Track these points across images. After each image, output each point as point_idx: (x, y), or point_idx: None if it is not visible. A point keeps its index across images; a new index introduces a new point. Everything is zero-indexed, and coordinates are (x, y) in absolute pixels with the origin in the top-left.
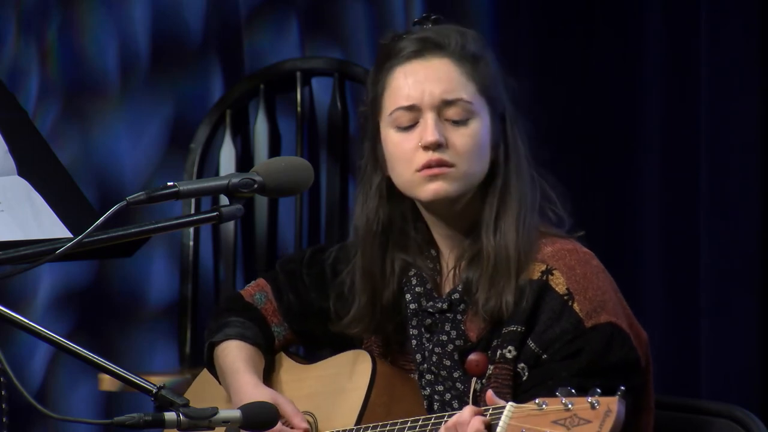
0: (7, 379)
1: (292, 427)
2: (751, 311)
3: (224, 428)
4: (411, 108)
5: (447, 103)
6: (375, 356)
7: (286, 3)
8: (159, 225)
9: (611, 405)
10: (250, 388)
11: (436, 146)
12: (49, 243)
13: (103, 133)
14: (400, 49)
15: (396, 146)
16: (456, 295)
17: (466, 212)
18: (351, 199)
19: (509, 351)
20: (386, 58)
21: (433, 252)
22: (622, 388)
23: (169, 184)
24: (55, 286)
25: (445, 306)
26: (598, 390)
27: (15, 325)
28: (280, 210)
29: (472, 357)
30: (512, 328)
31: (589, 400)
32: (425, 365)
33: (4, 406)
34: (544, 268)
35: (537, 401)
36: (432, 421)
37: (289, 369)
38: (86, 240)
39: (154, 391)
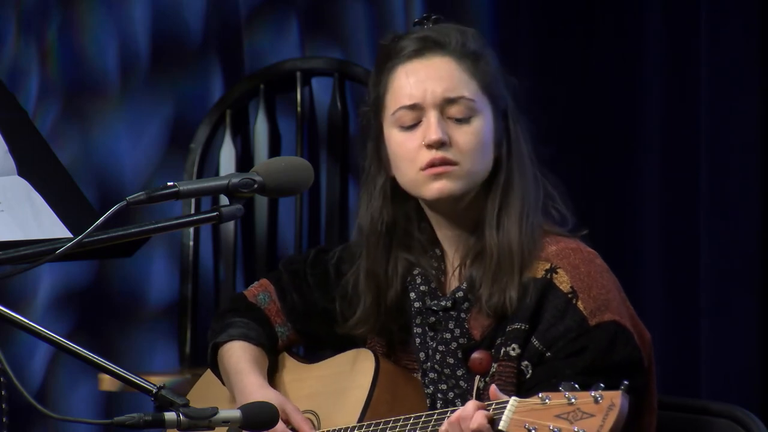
0: (7, 379)
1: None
2: (751, 311)
3: (226, 428)
4: (413, 107)
5: (449, 101)
6: (378, 355)
7: (286, 3)
8: (159, 225)
9: (614, 399)
10: (255, 389)
11: (440, 144)
12: (49, 243)
13: (103, 133)
14: (401, 49)
15: (399, 145)
16: (460, 294)
17: (469, 210)
18: (351, 199)
19: (513, 349)
20: (387, 58)
21: (437, 251)
22: (626, 382)
23: (169, 184)
24: (55, 286)
25: (449, 304)
26: (602, 384)
27: (15, 325)
28: (280, 210)
29: (476, 355)
30: (516, 326)
31: (593, 394)
32: (429, 364)
33: (4, 406)
34: (548, 266)
35: (540, 395)
36: (435, 417)
37: (291, 369)
38: (86, 240)
39: (154, 391)
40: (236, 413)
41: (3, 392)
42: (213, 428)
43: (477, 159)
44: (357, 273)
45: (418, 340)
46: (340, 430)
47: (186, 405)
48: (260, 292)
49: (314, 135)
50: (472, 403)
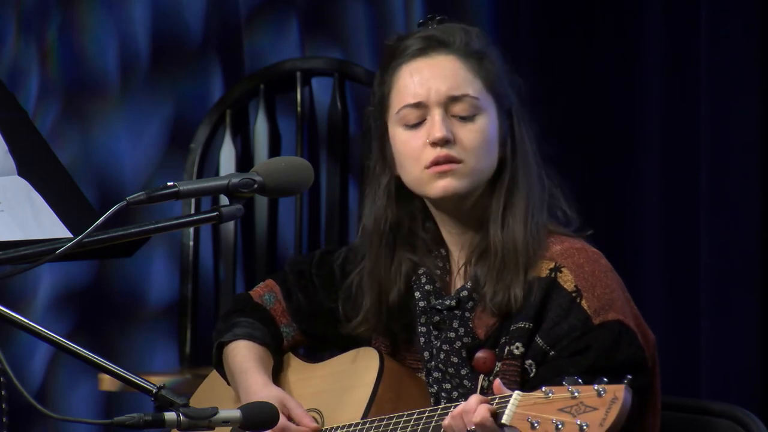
0: (7, 379)
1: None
2: (751, 311)
3: (229, 429)
4: (418, 105)
5: (453, 100)
6: (383, 353)
7: (286, 3)
8: (159, 225)
9: (618, 392)
10: (260, 388)
11: (444, 142)
12: (49, 243)
13: (103, 133)
14: (405, 48)
15: (404, 144)
16: (464, 293)
17: (474, 209)
18: (351, 199)
19: (517, 347)
20: (391, 58)
21: (442, 251)
22: (629, 376)
23: (169, 184)
24: (55, 286)
25: (453, 303)
26: (605, 379)
27: (15, 325)
28: (280, 210)
29: (480, 354)
30: (520, 324)
31: (596, 388)
32: (433, 363)
33: (4, 406)
34: (552, 265)
35: (543, 389)
36: (438, 412)
37: (296, 368)
38: (86, 240)
39: (154, 391)
40: (236, 413)
41: (3, 392)
42: (213, 428)
43: (481, 157)
44: (360, 273)
45: (422, 340)
46: (344, 426)
47: (186, 405)
48: (266, 292)
49: (314, 135)
50: (475, 397)
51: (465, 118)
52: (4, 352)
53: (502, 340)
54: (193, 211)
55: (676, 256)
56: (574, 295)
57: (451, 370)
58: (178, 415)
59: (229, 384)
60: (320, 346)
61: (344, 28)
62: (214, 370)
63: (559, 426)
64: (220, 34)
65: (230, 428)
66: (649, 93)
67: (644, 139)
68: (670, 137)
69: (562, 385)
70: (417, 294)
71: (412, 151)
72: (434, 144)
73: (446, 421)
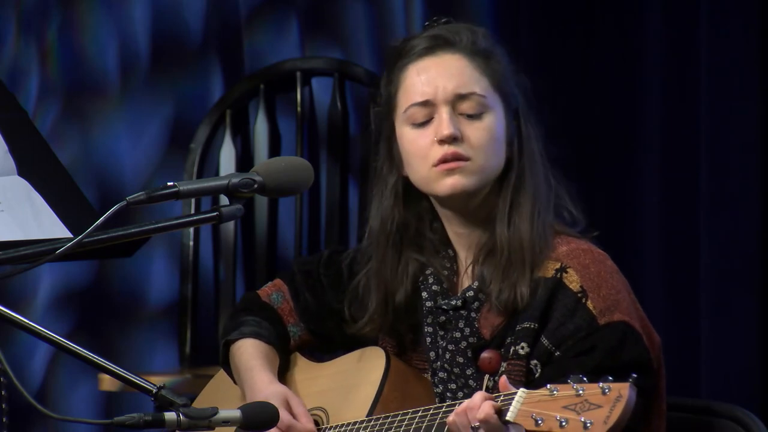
0: (7, 379)
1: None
2: (751, 311)
3: (233, 429)
4: (425, 104)
5: (461, 97)
6: (389, 353)
7: (286, 3)
8: (159, 225)
9: (622, 391)
10: (265, 385)
11: (452, 139)
12: (49, 243)
13: (103, 133)
14: (412, 47)
15: (412, 143)
16: (470, 293)
17: (481, 208)
18: (351, 199)
19: (522, 347)
20: (398, 58)
21: (449, 252)
22: (634, 375)
23: (169, 184)
24: (55, 286)
25: (459, 303)
26: (610, 377)
27: (15, 325)
28: (280, 210)
29: (485, 354)
30: (526, 325)
31: (600, 386)
32: (438, 363)
33: (4, 406)
34: (558, 266)
35: (548, 387)
36: (443, 409)
37: (303, 367)
38: (86, 240)
39: (154, 391)
40: (236, 413)
41: (3, 392)
42: (213, 428)
43: (489, 154)
44: (367, 274)
45: (428, 340)
46: (349, 424)
47: (186, 405)
48: (273, 291)
49: (314, 135)
50: (479, 394)
51: (472, 116)
52: (4, 352)
53: (508, 341)
54: (193, 211)
55: (676, 256)
56: (579, 295)
57: (456, 370)
58: (178, 415)
59: (235, 383)
60: (327, 346)
61: (344, 28)
62: (221, 370)
63: (563, 423)
64: (220, 34)
65: (234, 429)
66: (649, 93)
67: (644, 139)
68: (670, 137)
69: (566, 383)
70: (424, 294)
71: (420, 149)
72: (442, 141)
73: (450, 417)
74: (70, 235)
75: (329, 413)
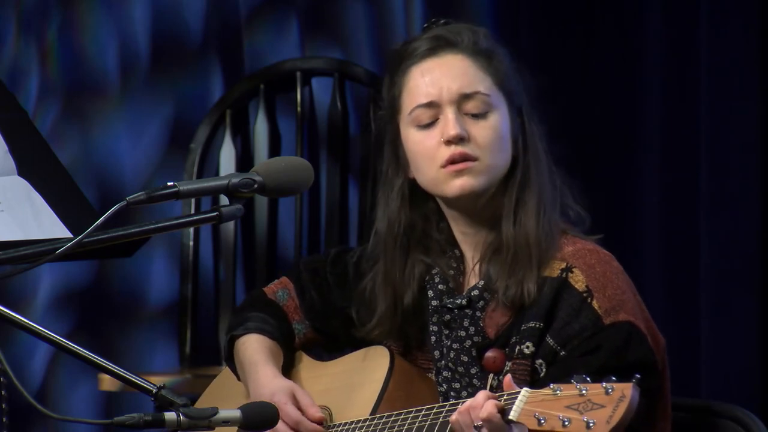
0: (7, 379)
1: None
2: (751, 311)
3: (235, 429)
4: (430, 105)
5: (465, 97)
6: (393, 352)
7: (286, 3)
8: (159, 225)
9: (625, 391)
10: (269, 380)
11: (459, 140)
12: (49, 243)
13: (103, 133)
14: (414, 49)
15: (418, 144)
16: (476, 292)
17: (487, 208)
18: (351, 199)
19: (527, 347)
20: (400, 60)
21: (456, 252)
22: (638, 375)
23: (169, 184)
24: (55, 286)
25: (464, 302)
26: (613, 377)
27: (15, 325)
28: (280, 210)
29: (490, 354)
30: (531, 324)
31: (604, 386)
32: (443, 362)
33: (4, 406)
34: (564, 265)
35: (552, 386)
36: (446, 408)
37: (307, 366)
38: (86, 240)
39: (154, 391)
40: (236, 413)
41: (3, 392)
42: (213, 428)
43: (496, 153)
44: (374, 278)
45: (433, 339)
46: (352, 422)
47: (186, 405)
48: (279, 289)
49: (314, 135)
50: (483, 393)
51: (477, 116)
52: (4, 352)
53: (513, 340)
54: (193, 211)
55: (676, 256)
56: (585, 295)
57: (460, 369)
58: (178, 415)
59: (239, 379)
60: (332, 345)
61: (344, 28)
62: (225, 368)
63: (566, 423)
64: (220, 34)
65: (237, 429)
66: (649, 93)
67: (644, 139)
68: (670, 137)
69: (570, 382)
70: (430, 293)
71: (427, 150)
72: (449, 142)
73: (454, 416)
74: (70, 235)
75: (333, 412)
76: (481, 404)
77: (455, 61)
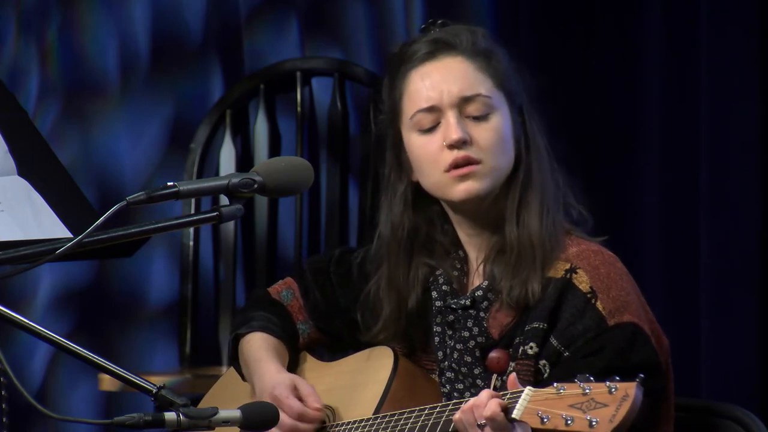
0: (7, 379)
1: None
2: (751, 311)
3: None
4: (431, 109)
5: (466, 100)
6: (397, 352)
7: (286, 3)
8: (159, 225)
9: (629, 390)
10: (272, 374)
11: (461, 144)
12: (49, 243)
13: (103, 133)
14: (413, 53)
15: (420, 149)
16: (479, 292)
17: (492, 209)
18: (351, 199)
19: (531, 347)
20: (399, 64)
21: (460, 253)
22: (641, 375)
23: (169, 184)
24: (55, 286)
25: (468, 303)
26: (617, 377)
27: (15, 325)
28: (280, 210)
29: (493, 354)
30: (535, 325)
31: (607, 385)
32: (446, 363)
33: (4, 406)
34: (568, 266)
35: (555, 385)
36: (449, 407)
37: (311, 366)
38: (86, 240)
39: (154, 391)
40: (236, 413)
41: (3, 392)
42: (213, 428)
43: (499, 155)
44: (378, 282)
45: (437, 339)
46: (355, 421)
47: (186, 405)
48: (284, 289)
49: (314, 135)
50: (486, 392)
51: (479, 118)
52: (4, 352)
53: (516, 340)
54: (193, 211)
55: (676, 256)
56: (589, 296)
57: (464, 369)
58: (178, 415)
59: (244, 379)
60: (336, 345)
61: (344, 28)
62: (230, 369)
63: (569, 422)
64: (220, 34)
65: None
66: (649, 93)
67: (644, 139)
68: (670, 137)
69: (573, 381)
70: (434, 294)
71: (430, 155)
72: (451, 146)
73: (457, 415)
74: (70, 235)
75: (336, 411)
76: (485, 403)
77: (454, 64)
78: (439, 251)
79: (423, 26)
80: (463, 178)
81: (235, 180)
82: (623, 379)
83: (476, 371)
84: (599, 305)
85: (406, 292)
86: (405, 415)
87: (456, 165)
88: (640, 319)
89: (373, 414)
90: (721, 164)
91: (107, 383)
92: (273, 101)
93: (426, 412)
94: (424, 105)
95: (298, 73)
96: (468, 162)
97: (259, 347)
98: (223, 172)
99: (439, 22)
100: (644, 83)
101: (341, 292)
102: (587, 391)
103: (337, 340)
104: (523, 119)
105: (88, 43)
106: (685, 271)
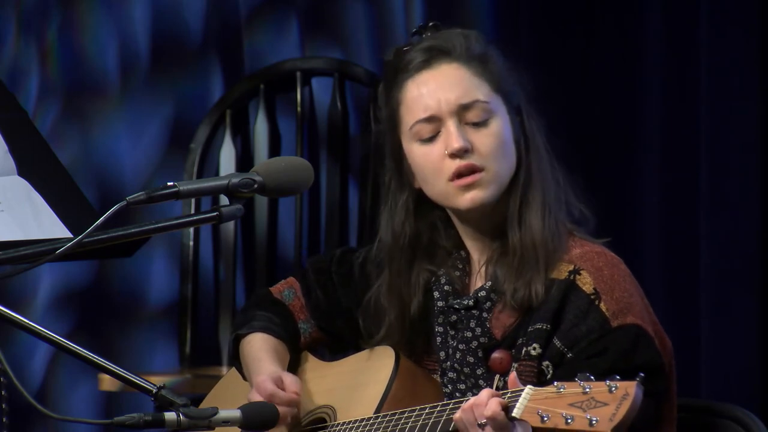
0: (7, 379)
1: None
2: (751, 311)
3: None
4: (431, 119)
5: (465, 107)
6: (399, 352)
7: (286, 3)
8: (159, 225)
9: (629, 389)
10: (268, 371)
11: (463, 152)
12: (49, 243)
13: (103, 133)
14: (408, 62)
15: (423, 159)
16: (482, 293)
17: (494, 211)
18: (351, 199)
19: (534, 348)
20: (395, 74)
21: (462, 253)
22: (642, 374)
23: (169, 184)
24: (55, 286)
25: (471, 303)
26: (617, 376)
27: (15, 325)
28: (280, 210)
29: (496, 355)
30: (538, 326)
31: (607, 384)
32: (448, 363)
33: (4, 406)
34: (571, 267)
35: (555, 384)
36: (450, 406)
37: (312, 366)
38: (86, 240)
39: (154, 391)
40: (236, 413)
41: (3, 392)
42: (213, 428)
43: (501, 160)
44: (380, 289)
45: (438, 339)
46: (356, 421)
47: (186, 405)
48: (285, 288)
49: (314, 135)
50: (486, 391)
51: (478, 124)
52: (4, 352)
53: (519, 341)
54: (193, 211)
55: (676, 256)
56: (592, 297)
57: (466, 370)
58: (178, 415)
59: (245, 379)
60: (337, 344)
61: (344, 28)
62: (231, 370)
63: (569, 420)
64: (220, 34)
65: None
66: (649, 93)
67: (644, 139)
68: (670, 137)
69: (574, 380)
70: (436, 294)
71: (433, 164)
72: (453, 155)
73: (457, 414)
74: (70, 235)
75: (337, 411)
76: (485, 402)
77: (450, 71)
78: (441, 254)
79: (414, 30)
80: (469, 187)
81: (235, 180)
82: (624, 379)
83: (479, 372)
84: (603, 307)
85: (409, 298)
86: (405, 415)
87: (460, 174)
88: (644, 320)
89: (374, 414)
90: (721, 164)
91: (107, 383)
92: (273, 101)
93: (426, 411)
94: (423, 115)
95: (298, 73)
96: (472, 170)
97: (260, 348)
98: (223, 172)
99: (431, 24)
100: (644, 83)
101: (343, 292)
102: (587, 389)
103: (338, 340)
104: (522, 118)
105: (88, 43)
106: (685, 271)
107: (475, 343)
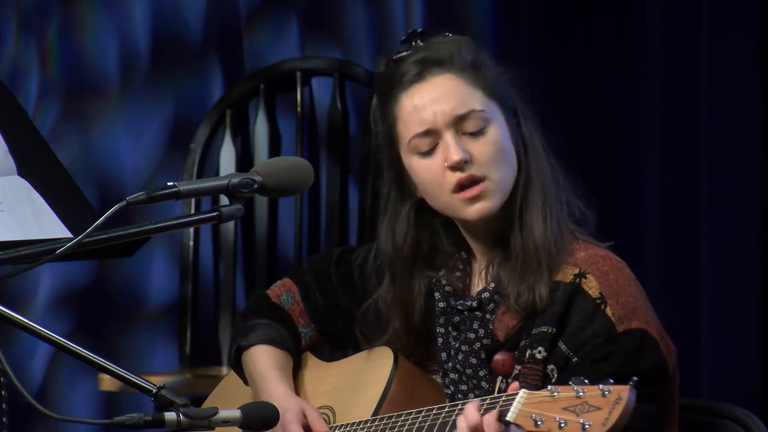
0: (7, 379)
1: None
2: (751, 311)
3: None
4: (428, 132)
5: (461, 118)
6: (398, 353)
7: (286, 3)
8: (159, 225)
9: (622, 393)
10: (281, 397)
11: (463, 164)
12: (49, 243)
13: (103, 133)
14: (401, 75)
15: (423, 172)
16: (486, 294)
17: (498, 216)
18: (351, 199)
19: (539, 352)
20: (389, 87)
21: (463, 254)
22: (635, 378)
23: (169, 184)
24: (55, 286)
25: (474, 304)
26: (611, 380)
27: (15, 325)
28: (280, 210)
29: (499, 356)
30: (543, 329)
31: (601, 388)
32: (450, 364)
33: (4, 406)
34: (577, 271)
35: (549, 388)
36: (446, 409)
37: (312, 366)
38: (86, 240)
39: (154, 391)
40: (236, 413)
41: (3, 392)
42: (213, 428)
43: (501, 167)
44: (381, 298)
45: (440, 340)
46: (354, 423)
47: (186, 405)
48: (283, 292)
49: (314, 135)
50: (472, 405)
51: (476, 133)
52: (4, 352)
53: (522, 343)
54: (193, 211)
55: (676, 256)
56: (598, 301)
57: (468, 371)
58: (178, 415)
59: (246, 384)
60: (337, 345)
61: (344, 28)
62: (230, 372)
63: (562, 424)
64: (220, 34)
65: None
66: (649, 93)
67: (644, 139)
68: (670, 137)
69: (568, 384)
70: (437, 295)
71: (434, 177)
72: (453, 168)
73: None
74: (70, 235)
75: (336, 412)
76: (479, 420)
77: (444, 82)
78: (441, 257)
79: (403, 38)
80: (474, 199)
81: (235, 180)
82: (617, 383)
83: (481, 373)
84: (608, 311)
85: (411, 306)
86: (403, 417)
87: (462, 186)
88: (649, 325)
89: (372, 416)
90: (721, 164)
91: (107, 383)
92: (273, 101)
93: (423, 413)
94: (420, 129)
95: (298, 73)
96: (473, 181)
97: (265, 363)
98: (223, 172)
99: (419, 31)
100: (644, 83)
101: (342, 293)
102: (581, 394)
103: (338, 341)
104: (518, 120)
105: (88, 43)
106: (685, 271)
107: (477, 345)
